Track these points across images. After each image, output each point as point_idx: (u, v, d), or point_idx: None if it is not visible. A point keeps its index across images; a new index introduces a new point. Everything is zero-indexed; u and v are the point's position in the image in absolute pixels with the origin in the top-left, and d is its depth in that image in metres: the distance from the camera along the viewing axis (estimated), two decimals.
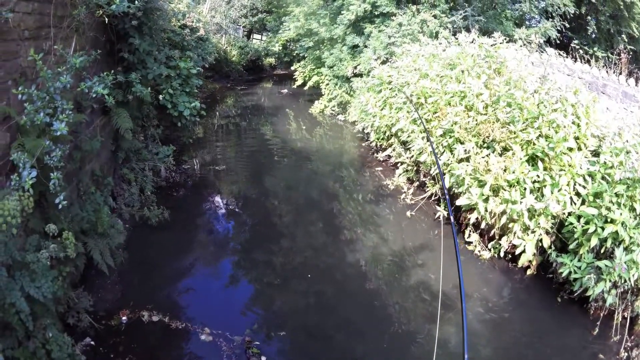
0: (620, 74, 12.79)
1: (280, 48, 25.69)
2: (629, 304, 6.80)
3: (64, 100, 4.53)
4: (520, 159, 7.87)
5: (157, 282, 6.86)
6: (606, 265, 6.50)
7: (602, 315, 6.86)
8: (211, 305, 6.60)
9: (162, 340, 5.71)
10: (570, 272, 6.94)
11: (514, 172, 7.73)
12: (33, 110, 4.20)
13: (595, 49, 18.17)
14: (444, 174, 9.01)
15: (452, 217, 4.24)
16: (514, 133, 8.22)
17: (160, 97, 9.17)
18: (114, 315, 5.86)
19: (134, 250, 7.22)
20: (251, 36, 31.33)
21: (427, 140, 9.04)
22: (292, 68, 22.76)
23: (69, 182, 5.80)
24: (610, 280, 6.50)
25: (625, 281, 6.49)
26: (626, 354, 6.43)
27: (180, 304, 6.50)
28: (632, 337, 6.70)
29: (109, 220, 6.41)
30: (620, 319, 6.77)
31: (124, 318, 5.83)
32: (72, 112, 4.62)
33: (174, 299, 6.60)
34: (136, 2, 6.50)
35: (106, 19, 6.32)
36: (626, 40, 18.31)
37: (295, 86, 22.11)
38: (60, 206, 4.35)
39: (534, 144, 7.91)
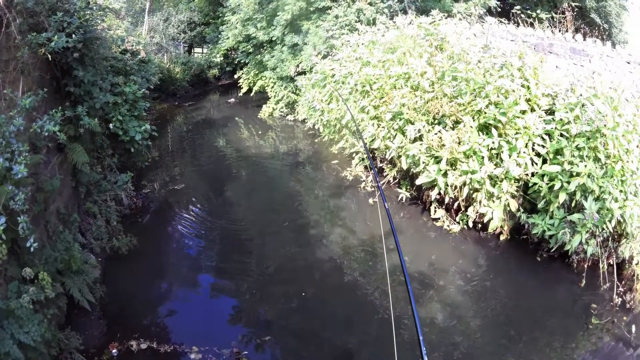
0: (567, 31, 13.15)
1: (222, 58, 25.45)
2: (612, 251, 7.02)
3: (19, 143, 4.52)
4: (471, 127, 8.07)
5: (139, 310, 6.84)
6: (579, 219, 6.71)
7: (586, 266, 7.08)
8: (195, 324, 6.63)
9: None
10: (544, 231, 7.15)
11: (468, 143, 7.93)
12: None
13: (538, 11, 18.39)
14: (400, 156, 9.18)
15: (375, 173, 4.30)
16: (463, 105, 8.43)
17: (111, 125, 9.09)
18: (104, 350, 5.84)
19: (110, 282, 7.17)
20: (192, 51, 31.03)
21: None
22: (236, 76, 22.71)
23: (37, 224, 5.74)
24: (586, 232, 6.69)
25: (603, 230, 6.70)
26: (620, 299, 6.65)
27: (165, 327, 6.51)
28: (623, 282, 6.94)
29: (81, 256, 6.37)
30: (606, 267, 7.01)
31: (114, 351, 5.82)
32: (29, 153, 4.61)
33: (158, 324, 6.61)
34: (74, 35, 6.47)
35: (49, 57, 6.28)
36: None
37: (241, 94, 22.01)
38: (32, 249, 4.34)
39: (485, 113, 8.10)
